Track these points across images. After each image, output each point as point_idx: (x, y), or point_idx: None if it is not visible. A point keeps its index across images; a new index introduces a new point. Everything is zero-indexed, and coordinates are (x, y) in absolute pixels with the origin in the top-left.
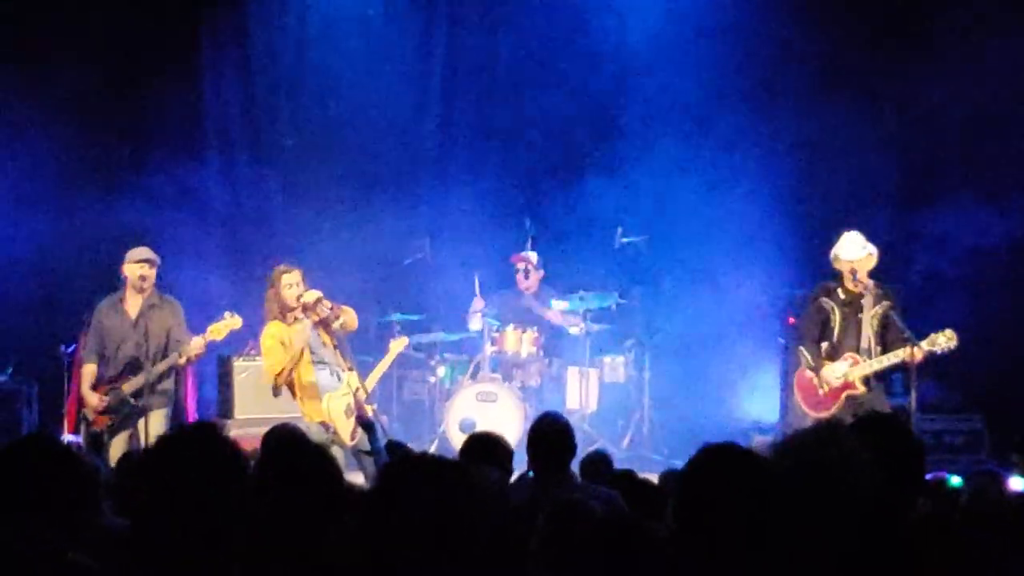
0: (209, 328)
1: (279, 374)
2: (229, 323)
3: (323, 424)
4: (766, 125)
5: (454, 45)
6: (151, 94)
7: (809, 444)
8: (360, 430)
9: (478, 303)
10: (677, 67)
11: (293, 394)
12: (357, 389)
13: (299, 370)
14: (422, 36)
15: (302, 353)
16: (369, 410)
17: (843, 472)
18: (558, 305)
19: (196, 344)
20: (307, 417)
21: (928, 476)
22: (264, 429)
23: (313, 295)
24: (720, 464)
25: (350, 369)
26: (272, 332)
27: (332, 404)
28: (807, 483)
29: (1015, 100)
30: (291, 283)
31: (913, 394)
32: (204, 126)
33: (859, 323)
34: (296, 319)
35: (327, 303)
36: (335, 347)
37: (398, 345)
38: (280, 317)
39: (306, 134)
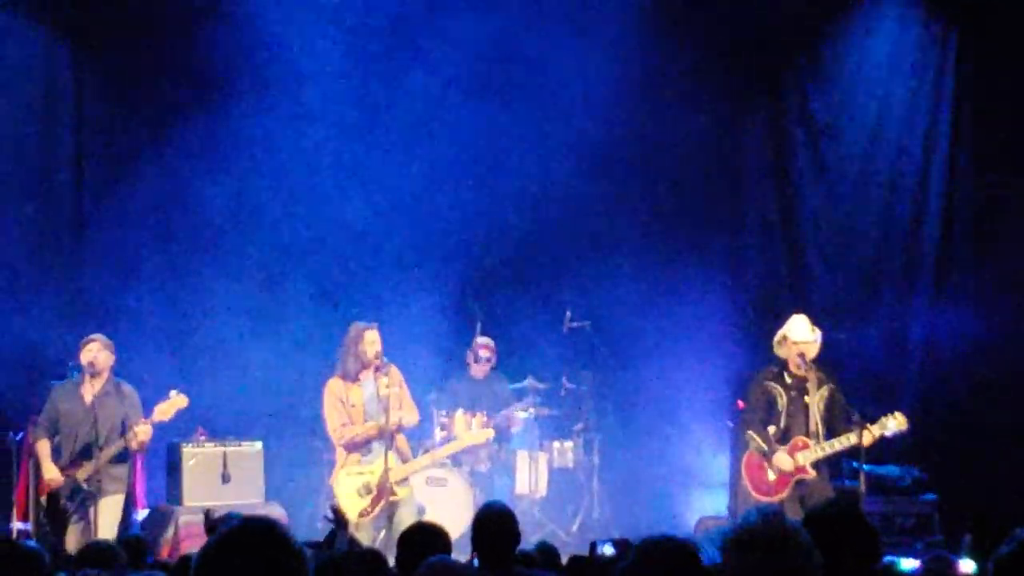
0: (155, 409)
1: (338, 433)
2: (175, 402)
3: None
4: (714, 206)
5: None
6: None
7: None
8: (378, 507)
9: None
10: (625, 165)
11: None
12: (387, 470)
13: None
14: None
15: (357, 418)
16: (400, 493)
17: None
18: (520, 415)
19: (142, 429)
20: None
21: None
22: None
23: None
24: (656, 559)
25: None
26: (332, 388)
27: (345, 480)
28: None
29: None
30: (374, 340)
31: (862, 477)
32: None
33: (806, 407)
34: (360, 380)
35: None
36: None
37: (477, 436)
38: (347, 375)
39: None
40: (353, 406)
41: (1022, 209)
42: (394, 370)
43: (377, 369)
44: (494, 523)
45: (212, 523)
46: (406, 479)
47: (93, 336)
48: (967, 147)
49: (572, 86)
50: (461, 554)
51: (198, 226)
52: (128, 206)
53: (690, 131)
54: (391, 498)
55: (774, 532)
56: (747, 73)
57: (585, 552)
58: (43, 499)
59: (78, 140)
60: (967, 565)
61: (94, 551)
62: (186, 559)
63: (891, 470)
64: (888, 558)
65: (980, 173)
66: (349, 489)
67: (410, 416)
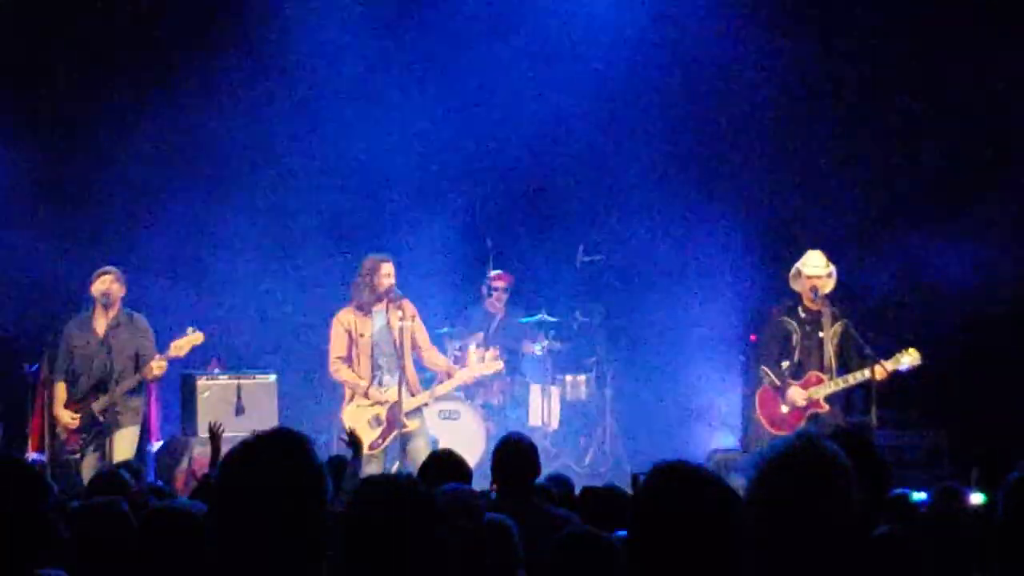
0: (171, 345)
1: (333, 366)
2: (191, 339)
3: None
4: (729, 144)
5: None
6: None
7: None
8: (388, 438)
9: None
10: (643, 92)
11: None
12: (395, 402)
13: (357, 368)
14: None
15: (365, 349)
16: (411, 425)
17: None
18: (530, 347)
19: (158, 364)
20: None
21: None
22: (227, 447)
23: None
24: (671, 483)
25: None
26: (341, 319)
27: (356, 412)
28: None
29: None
30: (388, 272)
31: (874, 411)
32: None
33: (820, 342)
34: (373, 312)
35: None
36: (401, 352)
37: (489, 367)
38: (361, 307)
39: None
40: (362, 335)
41: None
42: (407, 303)
43: (390, 302)
44: (515, 454)
45: (216, 436)
46: (418, 410)
47: (106, 268)
48: None
49: (586, 24)
50: (474, 485)
51: (211, 161)
52: (142, 141)
53: (702, 68)
54: (402, 430)
55: (815, 455)
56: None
57: (597, 484)
58: (59, 432)
59: (95, 73)
60: (976, 497)
61: (104, 479)
62: (207, 477)
63: (902, 404)
64: (899, 490)
65: None
66: (359, 421)
67: (435, 358)
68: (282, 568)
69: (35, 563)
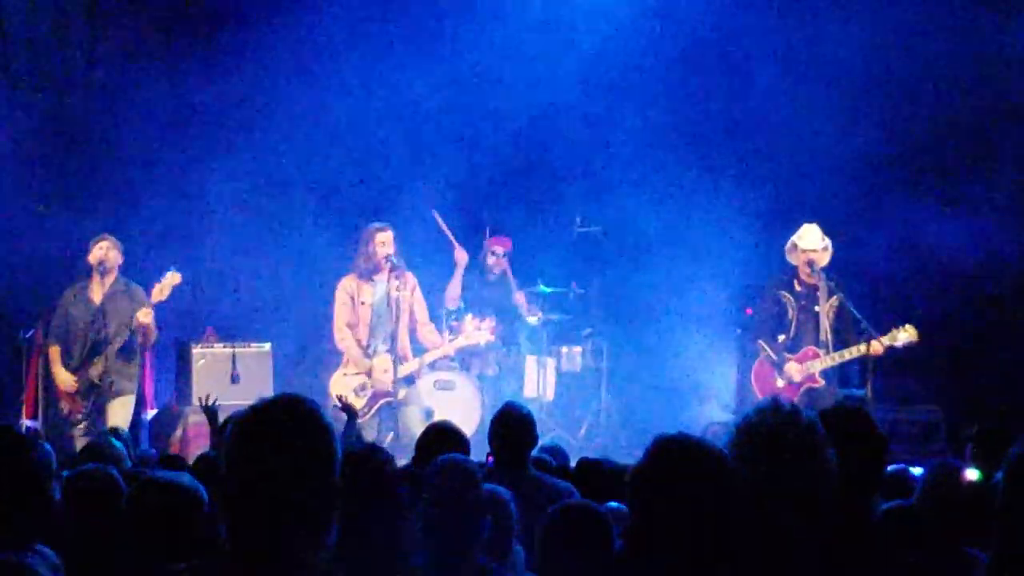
0: (152, 291)
1: (339, 334)
2: (170, 279)
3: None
4: (726, 116)
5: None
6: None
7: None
8: (375, 407)
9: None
10: (640, 64)
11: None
12: (384, 371)
13: (356, 334)
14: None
15: (365, 317)
16: (400, 394)
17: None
18: (529, 313)
19: (143, 311)
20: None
21: (890, 468)
22: (223, 416)
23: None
24: (673, 455)
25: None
26: (345, 286)
27: (343, 380)
28: (768, 466)
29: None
30: (384, 241)
31: (869, 385)
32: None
33: (816, 316)
34: (375, 280)
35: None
36: (396, 321)
37: (481, 336)
38: (362, 274)
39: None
40: (363, 303)
41: None
42: (409, 276)
43: (392, 271)
44: (512, 423)
45: (211, 412)
46: (409, 378)
47: (103, 235)
48: None
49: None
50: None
51: (203, 129)
52: (134, 109)
53: (699, 39)
54: (390, 399)
55: (784, 427)
56: None
57: (593, 456)
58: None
59: (86, 42)
60: (972, 473)
61: (95, 447)
62: (204, 457)
63: (898, 378)
64: (897, 465)
65: None
66: (346, 389)
67: (428, 334)
68: (296, 540)
69: (35, 533)
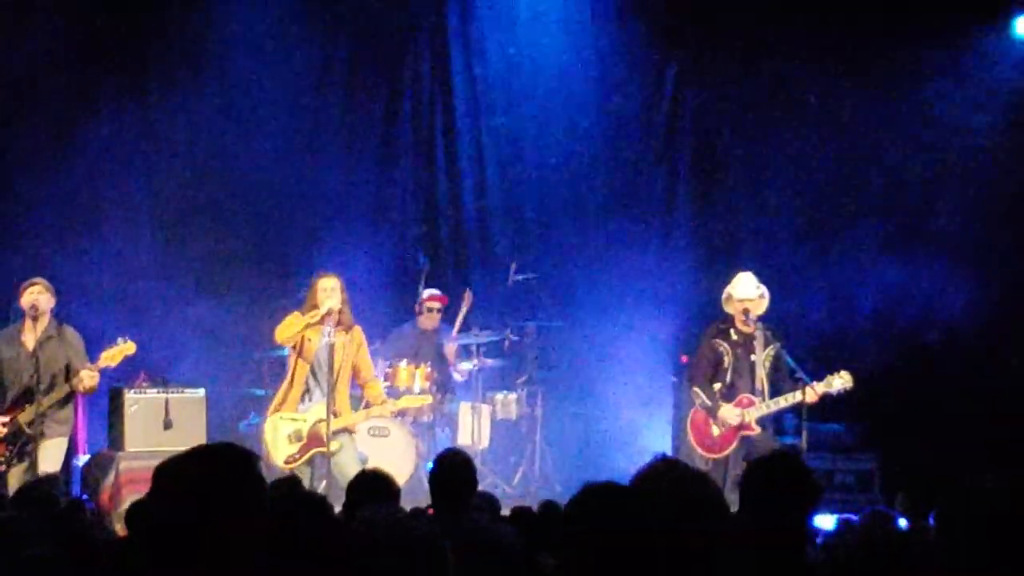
0: (102, 355)
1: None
2: (123, 348)
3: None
4: (659, 162)
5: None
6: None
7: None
8: (306, 455)
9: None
10: (575, 119)
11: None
12: (318, 421)
13: (294, 370)
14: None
15: (308, 356)
16: (333, 445)
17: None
18: (462, 368)
19: (88, 375)
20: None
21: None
22: (155, 462)
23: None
24: (600, 503)
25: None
26: (295, 313)
27: (278, 424)
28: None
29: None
30: (325, 287)
31: (804, 434)
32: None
33: (752, 364)
34: (323, 327)
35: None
36: (336, 372)
37: (415, 400)
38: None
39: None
40: (309, 340)
41: (966, 177)
42: (358, 331)
43: (340, 324)
44: (455, 469)
45: None
46: (344, 431)
47: (34, 279)
48: None
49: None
50: (403, 504)
51: (136, 178)
52: (71, 155)
53: (619, 88)
54: (321, 450)
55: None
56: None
57: (527, 503)
58: None
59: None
60: (902, 521)
61: (31, 492)
62: (138, 504)
63: (833, 428)
64: (829, 514)
65: None
66: (280, 434)
67: (373, 389)
68: None
69: None
